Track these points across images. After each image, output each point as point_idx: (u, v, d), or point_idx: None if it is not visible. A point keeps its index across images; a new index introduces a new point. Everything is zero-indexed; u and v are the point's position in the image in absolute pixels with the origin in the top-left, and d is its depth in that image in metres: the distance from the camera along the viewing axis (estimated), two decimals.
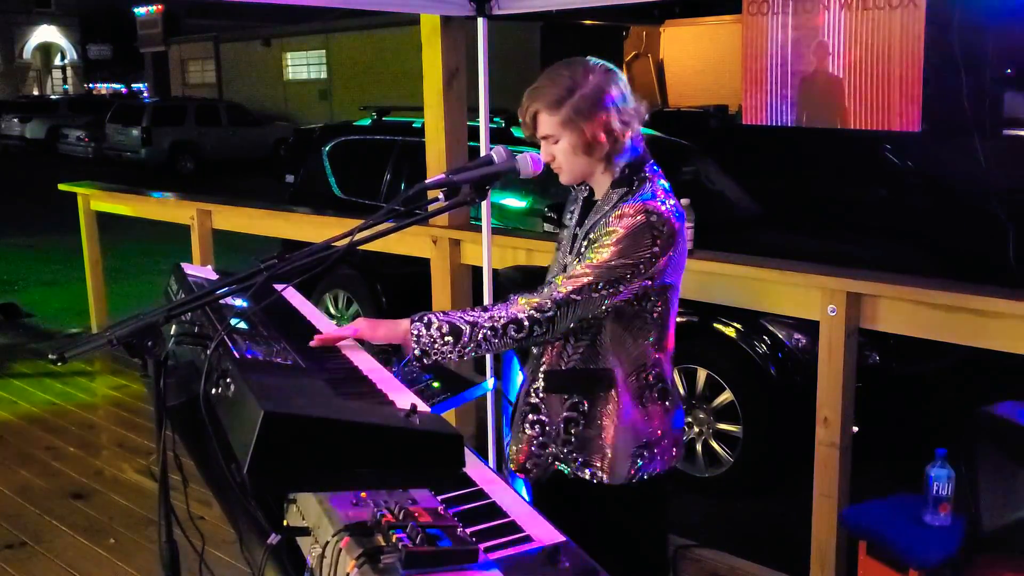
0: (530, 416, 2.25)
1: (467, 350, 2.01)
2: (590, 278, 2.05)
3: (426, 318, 2.01)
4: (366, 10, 4.73)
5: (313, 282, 6.37)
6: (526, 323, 2.02)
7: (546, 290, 2.07)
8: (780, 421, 4.44)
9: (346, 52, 30.29)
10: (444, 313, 2.04)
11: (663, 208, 2.09)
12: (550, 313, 2.04)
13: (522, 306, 2.04)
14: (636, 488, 2.20)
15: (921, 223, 6.38)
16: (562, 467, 2.21)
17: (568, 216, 2.35)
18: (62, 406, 5.68)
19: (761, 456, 4.52)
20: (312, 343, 2.04)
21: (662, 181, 2.17)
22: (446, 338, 1.99)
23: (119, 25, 41.75)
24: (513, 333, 2.02)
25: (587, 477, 2.19)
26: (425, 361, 2.01)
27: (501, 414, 3.86)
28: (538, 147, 2.22)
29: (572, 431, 2.19)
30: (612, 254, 2.05)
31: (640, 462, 2.20)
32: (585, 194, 2.31)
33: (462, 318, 2.02)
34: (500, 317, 2.02)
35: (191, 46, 36.82)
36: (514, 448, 2.32)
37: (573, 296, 2.04)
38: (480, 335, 2.00)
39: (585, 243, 2.15)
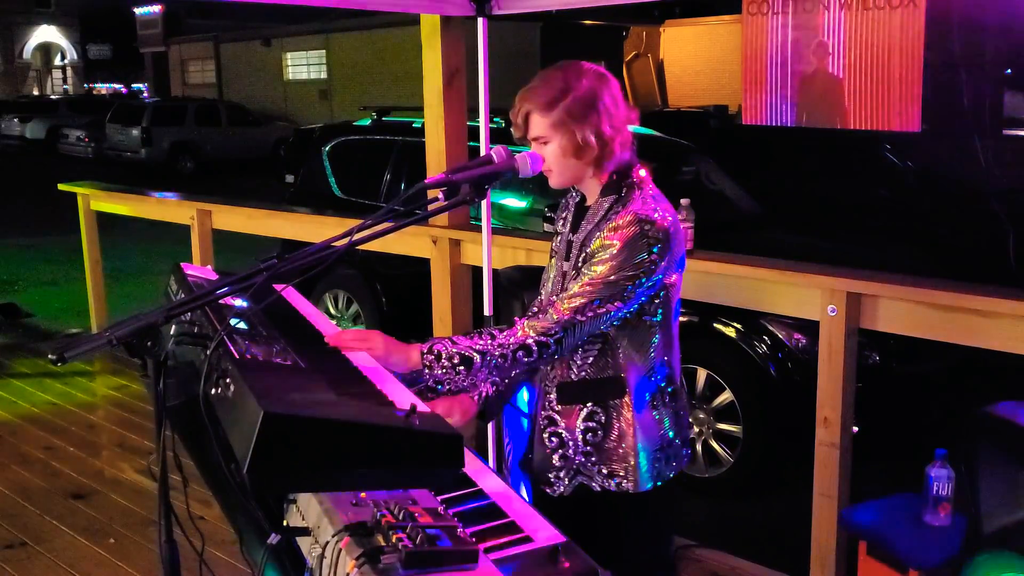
0: (548, 429, 2.26)
1: (479, 377, 2.08)
2: (591, 296, 2.06)
3: (435, 350, 2.05)
4: (366, 10, 4.73)
5: (313, 282, 6.37)
6: (534, 348, 2.06)
7: (550, 312, 2.08)
8: (780, 421, 4.44)
9: (346, 52, 30.30)
10: (452, 342, 2.07)
11: (655, 215, 2.09)
12: (557, 335, 2.07)
13: (528, 331, 2.07)
14: (656, 493, 2.21)
15: (921, 223, 6.38)
16: (587, 480, 2.21)
17: (560, 222, 2.35)
18: (62, 406, 5.67)
19: (761, 456, 4.52)
20: (327, 338, 2.10)
21: (650, 186, 2.18)
22: (458, 368, 2.04)
23: (119, 25, 41.70)
24: (523, 358, 2.07)
25: (613, 489, 2.19)
26: (439, 389, 2.08)
27: (501, 415, 3.85)
28: None
29: (591, 441, 2.19)
30: (610, 268, 2.06)
31: (659, 467, 2.20)
32: (577, 199, 2.31)
33: (471, 347, 2.06)
34: (508, 344, 2.06)
35: (191, 46, 36.84)
36: (537, 460, 2.32)
37: (578, 317, 2.07)
38: (492, 362, 2.05)
39: (582, 255, 2.16)
